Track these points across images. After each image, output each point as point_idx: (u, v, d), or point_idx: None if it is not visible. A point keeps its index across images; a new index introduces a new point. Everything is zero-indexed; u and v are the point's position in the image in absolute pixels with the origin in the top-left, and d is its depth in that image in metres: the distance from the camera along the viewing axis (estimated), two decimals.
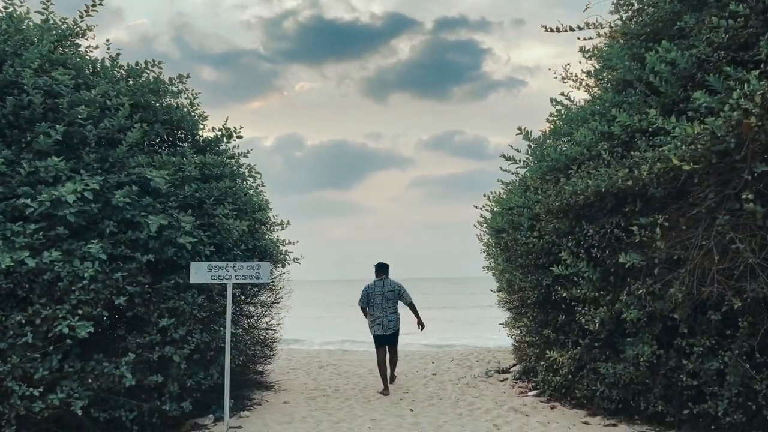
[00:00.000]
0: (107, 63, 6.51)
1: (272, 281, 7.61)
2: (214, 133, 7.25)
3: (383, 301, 8.12)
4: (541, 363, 7.05)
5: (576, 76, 8.48)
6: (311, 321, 23.83)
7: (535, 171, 6.76)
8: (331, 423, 6.02)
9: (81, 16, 6.36)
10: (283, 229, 7.63)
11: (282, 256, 7.04)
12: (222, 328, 5.90)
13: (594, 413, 6.12)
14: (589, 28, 7.02)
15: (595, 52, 6.56)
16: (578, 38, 6.90)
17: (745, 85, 4.37)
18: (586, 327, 6.00)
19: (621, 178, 5.15)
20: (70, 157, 5.45)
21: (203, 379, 5.81)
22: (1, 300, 4.80)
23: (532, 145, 6.96)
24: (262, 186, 7.50)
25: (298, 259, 7.29)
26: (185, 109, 6.85)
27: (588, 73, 8.32)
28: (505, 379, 8.41)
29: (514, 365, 9.22)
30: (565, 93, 7.15)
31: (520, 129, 6.76)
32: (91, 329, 4.78)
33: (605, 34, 7.16)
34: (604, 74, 6.75)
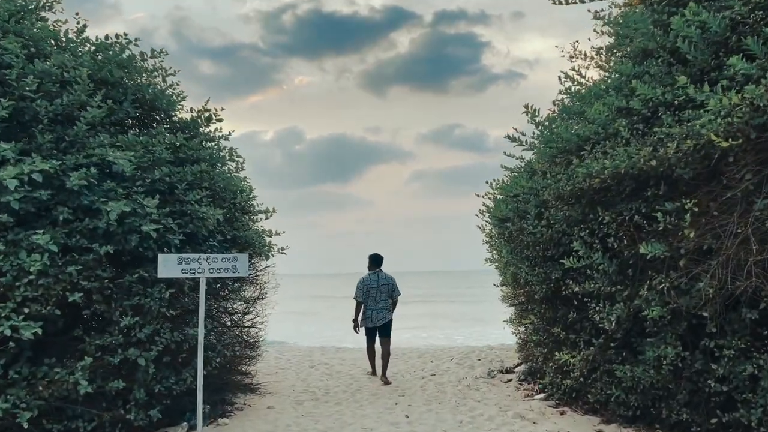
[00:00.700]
0: (72, 36, 5.93)
1: (257, 275, 7.05)
2: (191, 115, 6.69)
3: (377, 294, 8.35)
4: (550, 364, 6.49)
5: (585, 54, 7.89)
6: (305, 316, 23.37)
7: (544, 153, 6.18)
8: None
9: None
10: (267, 218, 7.06)
11: (266, 248, 6.46)
12: (196, 328, 5.34)
13: (609, 420, 5.58)
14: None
15: (610, 21, 5.95)
16: (589, 10, 6.30)
17: None
18: (600, 325, 5.44)
19: (643, 158, 4.58)
20: (22, 137, 4.88)
21: (174, 384, 5.25)
22: None
23: (540, 126, 6.38)
24: (243, 168, 6.89)
25: (283, 249, 6.72)
26: (159, 87, 6.27)
27: (599, 51, 7.73)
28: (510, 381, 7.87)
29: (519, 365, 8.68)
30: (576, 68, 6.56)
31: (526, 107, 6.17)
32: (39, 330, 4.21)
33: (620, 4, 6.57)
34: (620, 48, 6.15)
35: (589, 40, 8.05)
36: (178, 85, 6.92)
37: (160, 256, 4.99)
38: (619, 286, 5.29)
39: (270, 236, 7.10)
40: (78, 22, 6.05)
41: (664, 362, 4.94)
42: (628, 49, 5.71)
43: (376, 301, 8.33)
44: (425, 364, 9.31)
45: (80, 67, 5.22)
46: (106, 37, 6.04)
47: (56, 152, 4.90)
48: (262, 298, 7.24)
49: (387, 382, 8.03)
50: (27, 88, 4.79)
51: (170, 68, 6.84)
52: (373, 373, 8.57)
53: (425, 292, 40.67)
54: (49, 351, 4.64)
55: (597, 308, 5.44)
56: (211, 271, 5.19)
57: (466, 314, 24.50)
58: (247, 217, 6.63)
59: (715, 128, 4.04)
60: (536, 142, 6.32)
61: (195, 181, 5.71)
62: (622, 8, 6.36)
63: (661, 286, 4.79)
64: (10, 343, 4.22)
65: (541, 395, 6.70)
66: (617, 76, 5.66)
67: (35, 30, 5.56)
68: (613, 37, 6.33)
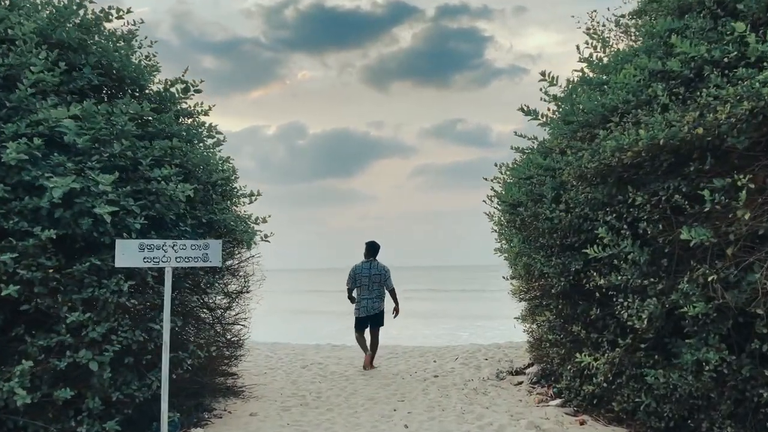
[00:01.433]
0: None
1: (238, 266, 6.37)
2: (163, 85, 6.02)
3: (369, 284, 8.50)
4: (568, 367, 5.82)
5: (604, 24, 7.19)
6: (303, 313, 22.77)
7: (562, 127, 5.48)
8: None
9: None
10: (251, 201, 6.38)
11: (248, 234, 5.78)
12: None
13: (637, 431, 4.91)
14: None
15: None
16: None
17: None
18: (628, 324, 4.75)
19: (687, 125, 3.87)
20: None
21: (137, 390, 4.59)
22: None
23: (557, 99, 5.67)
24: (223, 143, 6.20)
25: (267, 237, 6.04)
26: (124, 52, 5.59)
27: (617, 22, 7.04)
28: (520, 383, 7.19)
29: (530, 366, 8.00)
30: (598, 33, 5.84)
31: (543, 74, 5.47)
32: None
33: None
34: (651, 6, 5.44)
35: (609, 9, 7.36)
36: (154, 56, 6.29)
37: (118, 243, 4.32)
38: (651, 279, 4.61)
39: (257, 224, 6.44)
40: None
41: (706, 367, 4.28)
42: (662, 5, 4.99)
43: (369, 291, 8.49)
44: (427, 364, 8.64)
45: (25, 21, 4.53)
46: None
47: None
48: (246, 292, 6.56)
49: (372, 367, 8.44)
50: None
51: (145, 38, 6.22)
52: (365, 352, 8.66)
53: (428, 287, 40.05)
54: None
55: (625, 304, 4.76)
56: (179, 260, 4.51)
57: (470, 310, 23.84)
58: (227, 200, 5.94)
59: None
60: (555, 112, 5.61)
61: (164, 157, 5.03)
62: None
63: (704, 279, 4.10)
64: None
65: (557, 401, 6.03)
66: (649, 37, 4.95)
67: None
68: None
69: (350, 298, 8.66)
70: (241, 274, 6.49)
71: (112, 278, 4.36)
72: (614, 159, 4.52)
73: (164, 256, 4.46)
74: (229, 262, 6.55)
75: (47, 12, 5.28)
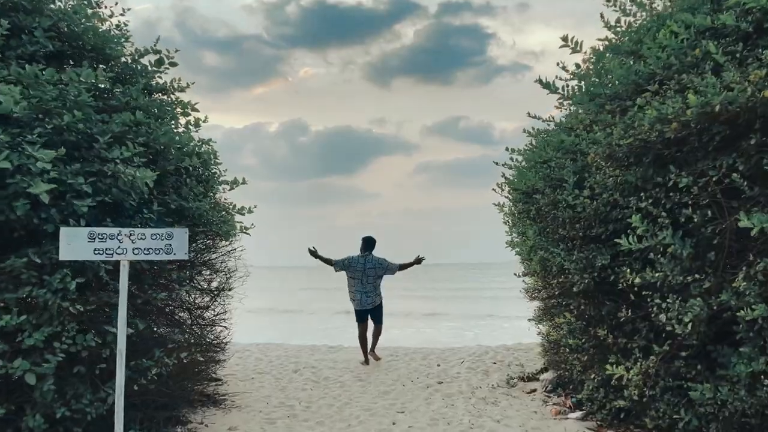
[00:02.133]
0: None
1: (215, 261, 5.71)
2: (131, 55, 5.37)
3: (363, 278, 8.45)
4: (591, 376, 5.13)
5: None
6: (299, 312, 22.13)
7: (586, 101, 4.78)
8: None
9: None
10: (232, 188, 5.71)
11: (226, 225, 5.11)
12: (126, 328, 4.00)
13: None
14: None
15: None
16: None
17: None
18: (667, 328, 4.07)
19: (751, 86, 3.17)
20: None
21: (89, 405, 3.92)
22: None
23: (580, 72, 4.98)
24: (203, 123, 5.53)
25: (247, 229, 5.37)
26: (82, 16, 4.92)
27: None
28: (533, 391, 6.52)
29: (543, 371, 7.33)
30: None
31: (565, 39, 4.78)
32: None
33: None
34: None
35: None
36: (125, 25, 5.62)
37: (63, 231, 3.65)
38: (696, 275, 3.94)
39: (243, 214, 5.78)
40: None
41: (765, 381, 3.60)
42: None
43: (362, 284, 8.47)
44: (430, 368, 7.97)
45: None
46: None
47: None
48: (227, 289, 5.89)
49: (376, 358, 8.60)
50: None
51: (115, 3, 5.56)
52: (366, 362, 8.48)
53: (430, 285, 39.38)
54: None
55: (663, 305, 4.07)
56: (137, 251, 3.84)
57: (474, 309, 23.15)
58: (202, 186, 5.26)
59: None
60: (577, 85, 4.91)
61: (126, 134, 4.36)
62: None
63: (764, 275, 3.42)
64: None
65: (578, 413, 5.36)
66: None
67: None
68: None
69: (322, 258, 8.57)
70: (221, 269, 5.81)
71: (56, 274, 3.69)
72: (653, 133, 3.83)
73: (119, 247, 3.79)
74: (214, 257, 5.90)
75: None
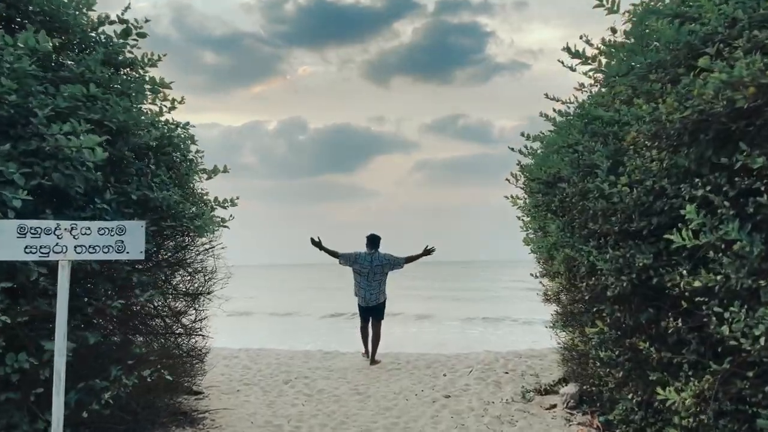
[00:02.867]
0: None
1: (190, 260, 4.99)
2: (90, 24, 4.67)
3: (369, 274, 8.46)
4: (628, 395, 4.42)
5: None
6: (295, 313, 21.43)
7: (625, 71, 4.06)
8: None
9: None
10: (210, 177, 5.00)
11: (201, 221, 4.39)
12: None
13: None
14: None
15: None
16: None
17: None
18: (730, 342, 3.36)
19: None
20: None
21: None
22: None
23: (619, 30, 4.26)
24: (179, 104, 4.88)
25: (225, 222, 4.65)
26: None
27: None
28: (553, 407, 5.83)
29: (562, 381, 6.64)
30: None
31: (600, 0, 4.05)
32: None
33: None
34: None
35: None
36: None
37: None
38: None
39: (225, 206, 5.07)
40: None
41: None
42: None
43: (368, 281, 8.46)
44: (436, 378, 7.26)
45: None
46: None
47: None
48: (205, 293, 5.18)
49: (375, 361, 8.52)
50: None
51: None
52: (366, 354, 8.77)
53: (432, 284, 38.64)
54: None
55: (727, 314, 3.36)
56: (80, 250, 3.14)
57: (478, 310, 22.44)
58: (174, 173, 4.55)
59: None
60: (613, 53, 4.18)
61: (76, 110, 3.65)
62: None
63: None
64: None
65: None
66: None
67: None
68: None
69: (326, 250, 8.53)
70: (199, 270, 5.09)
71: None
72: (719, 103, 3.11)
73: (57, 244, 3.09)
74: (189, 256, 5.20)
75: None
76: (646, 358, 4.20)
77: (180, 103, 5.08)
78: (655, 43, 3.87)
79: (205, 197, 5.36)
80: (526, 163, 5.95)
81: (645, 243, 4.09)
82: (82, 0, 4.72)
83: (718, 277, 3.40)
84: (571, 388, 5.99)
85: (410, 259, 8.64)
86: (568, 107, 5.64)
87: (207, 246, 5.19)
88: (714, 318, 3.49)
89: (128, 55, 4.88)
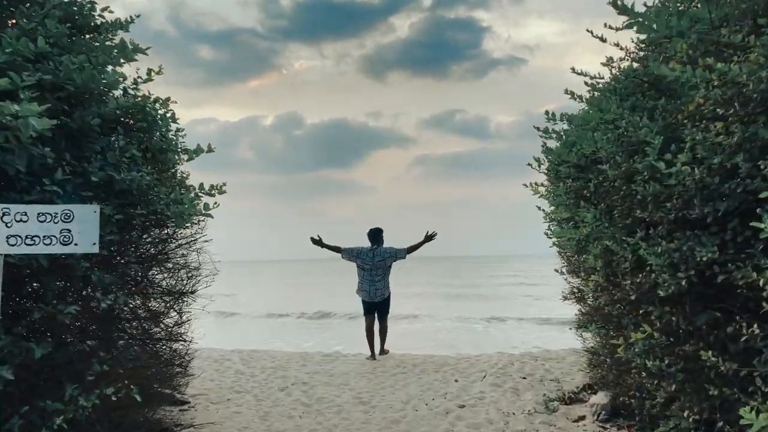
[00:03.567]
0: None
1: (169, 254, 4.33)
2: None
3: (372, 269, 8.34)
4: (683, 411, 3.78)
5: None
6: (291, 311, 20.80)
7: (687, 26, 3.41)
8: None
9: None
10: (192, 158, 4.34)
11: (179, 208, 3.73)
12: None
13: None
14: None
15: None
16: None
17: None
18: None
19: None
20: None
21: None
22: None
23: None
24: (157, 74, 4.25)
25: (209, 209, 4.00)
26: None
27: None
28: (581, 419, 5.22)
29: (587, 388, 6.03)
30: None
31: None
32: None
33: None
34: None
35: None
36: None
37: None
38: None
39: (212, 194, 4.41)
40: None
41: None
42: None
43: (371, 276, 8.32)
44: (447, 384, 6.62)
45: None
46: None
47: None
48: (187, 293, 4.52)
49: (384, 351, 8.59)
50: None
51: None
52: (372, 357, 8.48)
53: (429, 281, 37.96)
54: None
55: None
56: (13, 241, 2.49)
57: (484, 308, 21.83)
58: (150, 153, 3.89)
59: None
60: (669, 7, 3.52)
61: (17, 68, 2.98)
62: None
63: None
64: None
65: None
66: None
67: None
68: None
69: (328, 246, 8.50)
70: (178, 266, 4.44)
71: None
72: None
73: None
74: (167, 250, 4.54)
75: None
76: (701, 369, 3.56)
77: (158, 73, 4.43)
78: None
79: (187, 182, 4.72)
80: (553, 146, 5.31)
81: (706, 233, 3.44)
82: None
83: None
84: (601, 398, 5.36)
85: (412, 249, 8.47)
86: (597, 83, 5.00)
87: (190, 239, 4.54)
88: None
89: (98, 20, 4.23)
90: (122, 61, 4.19)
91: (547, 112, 5.39)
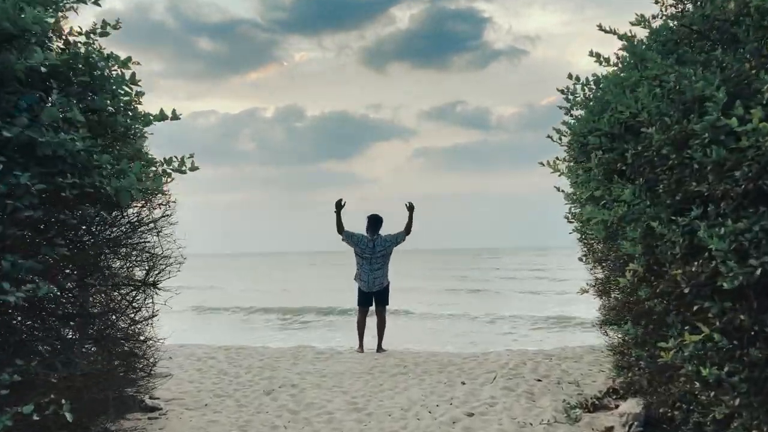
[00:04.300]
0: None
1: (124, 238, 3.64)
2: None
3: (372, 257, 8.08)
4: (748, 431, 3.09)
5: None
6: (286, 305, 20.15)
7: None
8: None
9: None
10: (149, 123, 3.66)
11: (125, 182, 3.02)
12: None
13: None
14: None
15: None
16: None
17: None
18: None
19: None
20: None
21: None
22: None
23: None
24: (112, 28, 3.59)
25: (166, 182, 3.30)
26: None
27: None
28: (609, 430, 4.54)
29: (612, 393, 5.35)
30: None
31: None
32: None
33: None
34: None
35: None
36: None
37: None
38: None
39: (183, 171, 3.74)
40: None
41: None
42: None
43: (370, 264, 8.07)
44: (453, 387, 5.95)
45: None
46: None
47: None
48: (149, 286, 3.83)
49: (381, 349, 8.09)
50: None
51: None
52: (360, 349, 8.20)
53: (429, 275, 37.27)
54: None
55: None
56: None
57: (488, 302, 21.18)
58: (90, 112, 3.20)
59: None
60: None
61: None
62: None
63: None
64: None
65: None
66: None
67: None
68: None
69: (339, 218, 8.16)
70: (137, 254, 3.74)
71: None
72: None
73: None
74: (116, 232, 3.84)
75: None
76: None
77: (114, 28, 3.73)
78: None
79: (147, 155, 4.03)
80: (578, 114, 4.62)
81: None
82: None
83: None
84: (632, 406, 4.67)
85: (408, 228, 8.26)
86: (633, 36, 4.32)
87: (150, 222, 3.84)
88: None
89: None
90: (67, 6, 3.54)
91: (570, 75, 4.69)
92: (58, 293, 3.01)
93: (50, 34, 3.45)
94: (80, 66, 3.32)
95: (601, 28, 3.99)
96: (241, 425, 4.80)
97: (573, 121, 4.67)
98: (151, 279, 3.92)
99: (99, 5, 3.65)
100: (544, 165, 5.12)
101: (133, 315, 3.88)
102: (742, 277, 2.86)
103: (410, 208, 8.17)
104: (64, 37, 3.47)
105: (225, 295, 24.85)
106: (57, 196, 2.78)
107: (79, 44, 3.38)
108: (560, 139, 4.95)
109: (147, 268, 3.96)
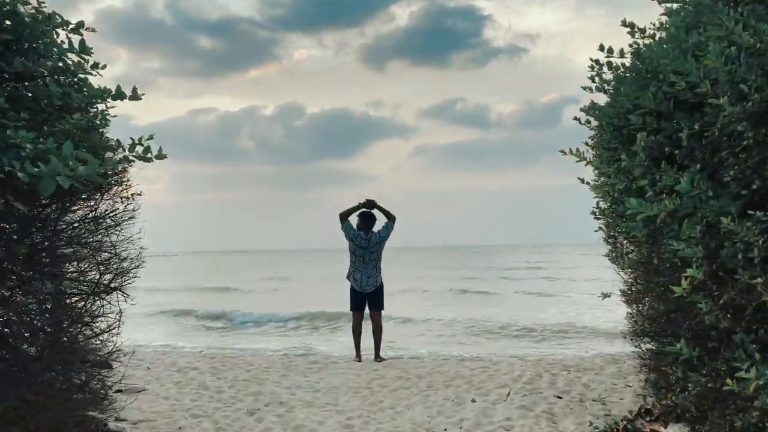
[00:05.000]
0: None
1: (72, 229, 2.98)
2: None
3: (366, 254, 7.85)
4: None
5: None
6: (279, 313, 19.46)
7: None
8: None
9: None
10: (103, 99, 3.02)
11: (47, 169, 2.35)
12: None
13: None
14: None
15: None
16: None
17: None
18: None
19: None
20: None
21: None
22: None
23: None
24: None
25: (128, 164, 2.63)
26: None
27: None
28: None
29: (646, 414, 4.71)
30: None
31: None
32: None
33: None
34: None
35: None
36: None
37: None
38: None
39: (149, 159, 3.12)
40: None
41: None
42: None
43: (364, 262, 7.82)
44: (462, 405, 5.29)
45: None
46: None
47: None
48: (110, 290, 3.17)
49: (379, 359, 7.69)
50: None
51: None
52: (357, 358, 7.76)
53: (433, 274, 36.57)
54: None
55: None
56: None
57: (486, 302, 20.53)
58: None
59: None
60: None
61: None
62: None
63: None
64: None
65: None
66: None
67: None
68: None
69: (352, 208, 7.91)
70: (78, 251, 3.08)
71: None
72: None
73: None
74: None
75: None
76: None
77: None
78: None
79: (105, 138, 3.39)
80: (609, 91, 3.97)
81: None
82: None
83: None
84: (677, 431, 4.03)
85: (388, 215, 7.92)
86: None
87: (99, 217, 3.19)
88: None
89: None
90: None
91: (601, 45, 4.05)
92: None
93: None
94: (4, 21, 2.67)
95: (624, 23, 3.86)
96: None
97: (607, 99, 4.02)
98: (112, 283, 3.26)
99: None
100: (566, 153, 4.49)
101: (87, 324, 3.22)
102: None
103: (370, 205, 7.88)
104: None
105: (226, 294, 24.30)
106: None
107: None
108: (588, 122, 4.31)
109: (100, 271, 3.30)
